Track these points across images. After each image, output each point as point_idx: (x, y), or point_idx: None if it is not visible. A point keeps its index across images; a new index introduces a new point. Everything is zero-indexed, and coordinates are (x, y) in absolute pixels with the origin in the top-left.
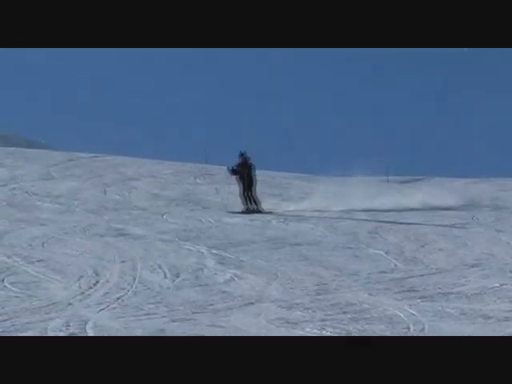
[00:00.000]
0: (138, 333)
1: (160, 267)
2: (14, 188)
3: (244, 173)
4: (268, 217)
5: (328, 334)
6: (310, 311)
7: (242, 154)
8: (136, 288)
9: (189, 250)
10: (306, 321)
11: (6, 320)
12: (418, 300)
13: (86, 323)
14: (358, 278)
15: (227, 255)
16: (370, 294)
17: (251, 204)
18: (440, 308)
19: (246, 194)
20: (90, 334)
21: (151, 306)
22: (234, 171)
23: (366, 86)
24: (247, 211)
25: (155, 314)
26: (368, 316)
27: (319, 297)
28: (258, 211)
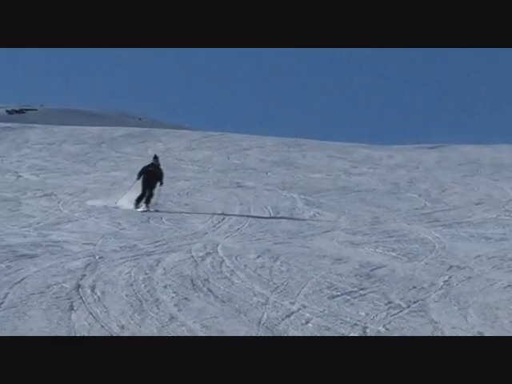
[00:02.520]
0: (252, 252)
1: (266, 207)
2: (168, 156)
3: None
4: (338, 172)
5: (380, 251)
6: (367, 236)
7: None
8: (250, 222)
9: (285, 196)
10: (364, 242)
11: (164, 244)
12: (441, 227)
13: (217, 246)
14: (399, 213)
15: (311, 199)
16: (408, 224)
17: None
18: (456, 232)
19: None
20: (220, 253)
21: (260, 233)
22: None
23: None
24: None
25: (263, 238)
26: (407, 239)
27: (374, 226)
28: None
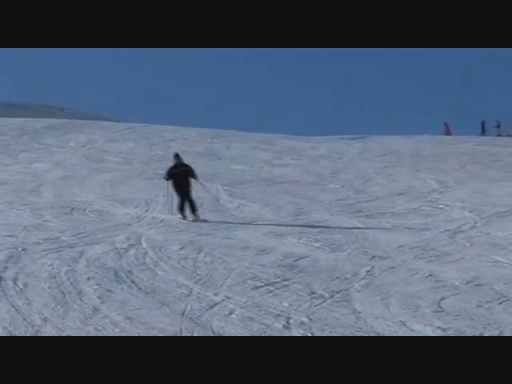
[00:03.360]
0: (176, 244)
1: None
2: (91, 148)
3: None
4: (262, 163)
5: (303, 241)
6: (291, 227)
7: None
8: (174, 213)
9: (209, 187)
10: (288, 233)
11: (87, 236)
12: (363, 218)
13: (140, 237)
14: (323, 204)
15: (235, 190)
16: (331, 215)
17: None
18: (378, 223)
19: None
20: (144, 245)
21: (184, 225)
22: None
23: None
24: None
25: (187, 230)
26: (330, 229)
27: (297, 217)
28: (197, 219)
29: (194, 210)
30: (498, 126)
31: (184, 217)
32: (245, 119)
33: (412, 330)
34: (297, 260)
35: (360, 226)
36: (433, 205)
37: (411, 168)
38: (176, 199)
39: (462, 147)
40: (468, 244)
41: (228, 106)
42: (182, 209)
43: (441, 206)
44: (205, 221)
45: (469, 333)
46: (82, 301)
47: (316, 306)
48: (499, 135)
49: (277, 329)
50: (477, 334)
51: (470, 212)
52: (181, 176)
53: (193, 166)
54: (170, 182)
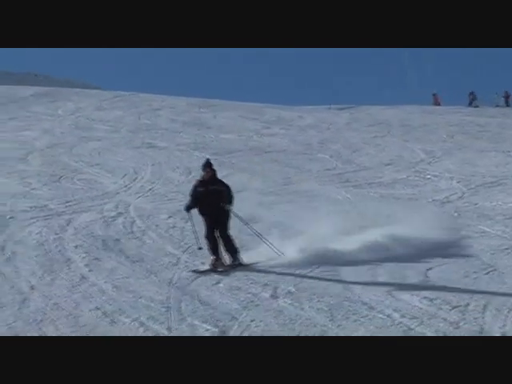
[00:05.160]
0: (164, 212)
1: (178, 168)
2: (79, 116)
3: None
4: (250, 133)
5: (290, 208)
6: (279, 196)
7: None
8: (162, 182)
9: (197, 156)
10: (277, 202)
11: (75, 204)
12: (351, 188)
13: (128, 206)
14: (311, 174)
15: (223, 159)
16: (319, 184)
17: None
18: (366, 193)
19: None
20: (131, 213)
21: (172, 194)
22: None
23: None
24: (215, 268)
25: (175, 199)
26: (318, 198)
27: (285, 186)
28: (236, 264)
29: (231, 251)
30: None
31: (217, 262)
32: (233, 89)
33: (398, 299)
34: (284, 230)
35: (348, 195)
36: (421, 175)
37: (399, 138)
38: (203, 232)
39: (450, 118)
40: (456, 214)
41: (216, 75)
42: (215, 251)
43: (429, 177)
44: (246, 266)
45: (455, 303)
46: (69, 269)
47: (303, 275)
48: (476, 106)
49: (264, 298)
50: (462, 304)
51: (457, 182)
52: (210, 200)
53: (230, 186)
54: (190, 211)
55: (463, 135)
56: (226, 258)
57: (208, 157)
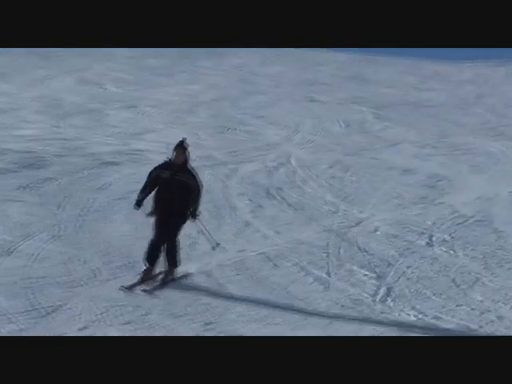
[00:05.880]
0: (324, 163)
1: (337, 121)
2: (243, 71)
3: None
4: (408, 88)
5: (446, 163)
6: (435, 149)
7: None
8: (322, 134)
9: (356, 110)
10: (432, 155)
11: (239, 154)
12: (506, 141)
13: (290, 156)
14: (466, 127)
15: (381, 113)
16: (474, 138)
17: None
18: None
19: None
20: (293, 163)
21: (332, 145)
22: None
23: None
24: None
25: (335, 150)
26: (473, 152)
27: (441, 140)
28: (168, 280)
29: (171, 263)
30: None
31: (149, 274)
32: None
33: None
34: (440, 180)
35: (502, 148)
36: None
37: None
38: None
39: None
40: None
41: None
42: (152, 255)
43: None
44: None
45: None
46: (235, 215)
47: (458, 224)
48: None
49: (420, 245)
50: None
51: None
52: (171, 192)
53: (200, 181)
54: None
55: None
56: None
57: (184, 137)
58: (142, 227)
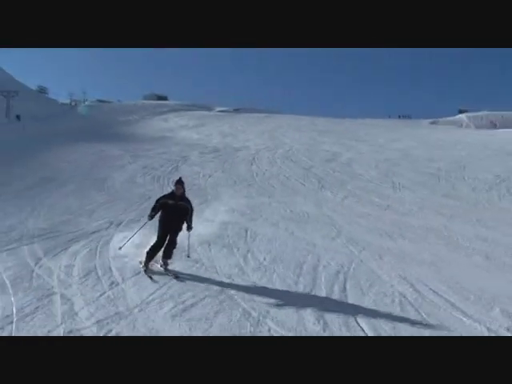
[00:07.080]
0: None
1: None
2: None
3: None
4: None
5: None
6: None
7: (179, 181)
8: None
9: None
10: None
11: None
12: None
13: None
14: None
15: None
16: None
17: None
18: None
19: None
20: None
21: None
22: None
23: None
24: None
25: None
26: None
27: None
28: (167, 269)
29: (167, 255)
30: None
31: (146, 266)
32: None
33: None
34: None
35: None
36: None
37: None
38: (152, 236)
39: None
40: None
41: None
42: (152, 253)
43: None
44: (176, 276)
45: None
46: None
47: None
48: None
49: None
50: None
51: None
52: (174, 212)
53: (193, 205)
54: (159, 214)
55: None
56: (158, 262)
57: (180, 176)
58: None
